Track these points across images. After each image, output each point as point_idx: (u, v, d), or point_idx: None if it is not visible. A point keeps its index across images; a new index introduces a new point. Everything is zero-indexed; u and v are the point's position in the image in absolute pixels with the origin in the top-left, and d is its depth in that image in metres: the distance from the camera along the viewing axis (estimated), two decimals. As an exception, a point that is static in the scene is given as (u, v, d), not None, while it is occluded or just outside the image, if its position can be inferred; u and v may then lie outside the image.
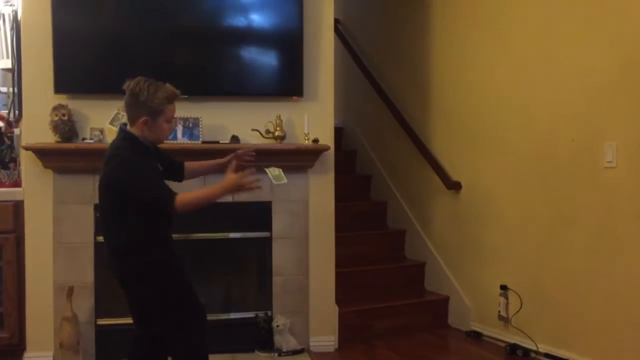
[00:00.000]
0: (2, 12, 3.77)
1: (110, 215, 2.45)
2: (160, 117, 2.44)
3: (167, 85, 2.48)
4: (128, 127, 2.50)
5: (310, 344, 3.64)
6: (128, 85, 2.45)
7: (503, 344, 3.67)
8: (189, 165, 2.78)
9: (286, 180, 3.35)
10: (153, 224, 2.44)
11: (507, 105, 3.72)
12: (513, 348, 3.56)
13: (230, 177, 2.48)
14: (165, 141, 2.61)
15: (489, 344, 3.78)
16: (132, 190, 2.37)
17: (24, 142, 3.29)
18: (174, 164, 2.71)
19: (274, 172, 3.13)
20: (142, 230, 2.43)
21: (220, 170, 2.73)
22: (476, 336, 3.91)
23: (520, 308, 3.59)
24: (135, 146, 2.43)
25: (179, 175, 2.74)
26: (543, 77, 3.46)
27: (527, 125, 3.57)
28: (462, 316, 4.07)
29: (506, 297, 3.69)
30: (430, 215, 4.44)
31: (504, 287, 3.70)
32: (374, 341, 3.82)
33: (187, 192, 2.41)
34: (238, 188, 2.47)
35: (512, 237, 3.68)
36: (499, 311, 3.72)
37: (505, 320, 3.70)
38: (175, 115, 3.34)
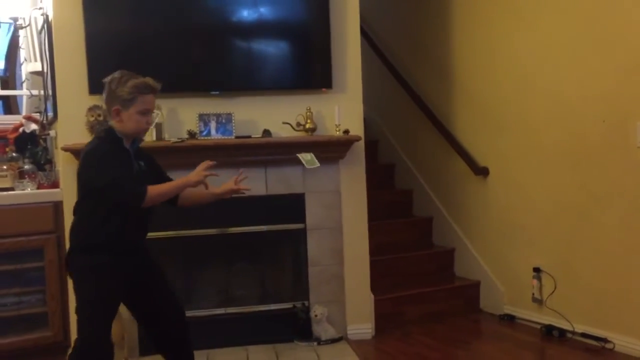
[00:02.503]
0: (31, 16, 3.82)
1: (76, 209, 2.48)
2: (131, 106, 2.41)
3: (145, 78, 2.46)
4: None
5: (348, 332, 3.69)
6: (106, 78, 2.47)
7: (538, 326, 3.71)
8: (186, 192, 2.64)
9: (318, 164, 3.41)
10: (103, 226, 2.40)
11: (534, 88, 3.74)
12: (549, 329, 3.60)
13: (197, 172, 2.47)
14: (142, 136, 2.56)
15: (524, 326, 3.82)
16: (87, 177, 2.38)
17: (61, 144, 3.34)
18: (168, 181, 2.61)
19: (305, 157, 3.17)
20: (90, 230, 2.42)
21: (216, 200, 2.70)
22: (510, 319, 3.95)
23: (555, 289, 3.63)
24: (107, 139, 2.43)
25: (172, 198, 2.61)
26: (570, 58, 3.48)
27: (555, 108, 3.60)
28: (494, 300, 4.11)
29: (539, 279, 3.73)
30: (457, 201, 4.48)
31: (537, 270, 3.73)
32: (408, 327, 3.87)
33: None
34: (198, 182, 2.47)
35: (543, 219, 3.71)
36: (533, 293, 3.76)
37: (539, 302, 3.74)
38: (209, 112, 3.47)
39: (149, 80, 2.46)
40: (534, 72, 3.73)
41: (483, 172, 4.15)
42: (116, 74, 2.45)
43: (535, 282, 3.74)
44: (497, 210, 4.08)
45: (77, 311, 2.42)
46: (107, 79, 2.45)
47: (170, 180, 2.61)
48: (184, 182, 2.45)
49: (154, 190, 2.36)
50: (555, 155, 3.61)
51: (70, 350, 2.49)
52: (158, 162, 2.69)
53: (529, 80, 3.77)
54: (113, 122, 2.45)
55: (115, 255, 2.42)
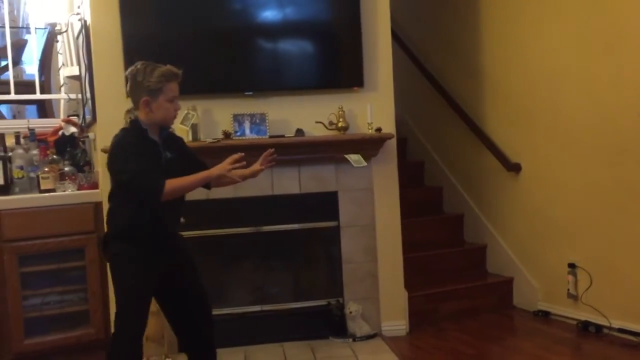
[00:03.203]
0: (69, 22, 3.92)
1: (110, 197, 2.56)
2: (160, 95, 2.45)
3: (167, 66, 2.49)
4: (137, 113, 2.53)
5: (382, 328, 3.72)
6: (128, 71, 2.51)
7: (574, 322, 3.69)
8: None
9: (366, 164, 3.47)
10: (136, 217, 2.46)
11: (566, 81, 3.73)
12: (585, 325, 3.59)
13: (221, 166, 2.46)
14: (171, 123, 2.58)
15: (559, 323, 3.81)
16: (113, 170, 2.45)
17: (100, 145, 3.41)
18: (200, 166, 2.64)
19: (353, 157, 3.25)
20: (124, 219, 2.49)
21: (244, 179, 2.68)
22: (544, 315, 3.94)
23: (590, 285, 3.61)
24: (132, 131, 2.48)
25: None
26: (604, 51, 3.46)
27: (588, 101, 3.58)
28: (528, 296, 4.10)
29: (575, 275, 3.71)
30: (488, 198, 4.47)
31: (572, 265, 3.72)
32: (442, 324, 3.88)
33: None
34: (221, 177, 2.46)
35: (578, 215, 3.69)
36: (568, 289, 3.75)
37: (574, 298, 3.73)
38: (244, 112, 3.52)
39: (172, 67, 2.49)
40: (566, 66, 3.72)
41: (515, 168, 4.14)
42: (139, 65, 2.48)
43: (570, 277, 3.73)
44: (530, 206, 4.07)
45: (117, 303, 2.49)
46: (130, 72, 2.48)
47: (204, 164, 2.64)
48: (205, 176, 2.48)
49: (172, 185, 2.38)
50: (590, 149, 3.59)
51: (110, 347, 2.55)
52: (187, 147, 2.72)
53: (561, 73, 3.76)
54: (141, 113, 2.48)
55: (150, 246, 2.47)
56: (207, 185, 2.62)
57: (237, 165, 2.46)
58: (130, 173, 2.38)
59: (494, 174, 4.35)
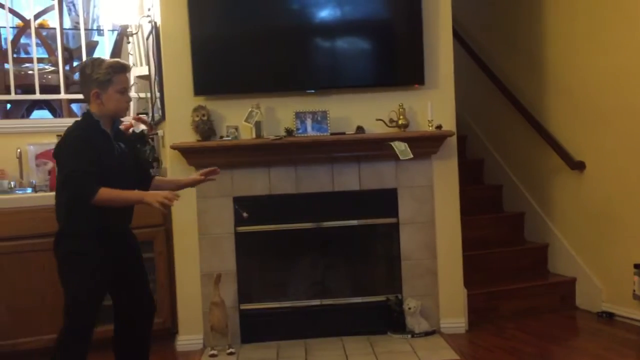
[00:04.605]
0: (139, 24, 4.09)
1: (57, 194, 2.54)
2: (109, 87, 2.48)
3: (116, 59, 2.54)
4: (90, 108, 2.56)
5: (441, 325, 3.72)
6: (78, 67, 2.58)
7: (639, 324, 3.60)
8: (157, 180, 2.84)
9: (412, 156, 3.47)
10: (82, 211, 2.45)
11: (633, 77, 3.63)
12: (652, 327, 3.50)
13: (155, 197, 2.45)
14: (124, 115, 2.68)
15: (624, 324, 3.72)
16: (57, 164, 2.48)
17: (169, 142, 3.56)
18: (144, 172, 2.77)
19: (399, 146, 3.21)
20: (73, 216, 2.49)
21: (180, 189, 2.82)
22: (608, 317, 3.85)
23: (658, 286, 3.52)
24: (84, 123, 2.51)
25: (145, 183, 2.75)
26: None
27: (658, 99, 3.48)
28: (591, 297, 4.01)
29: (641, 276, 3.63)
30: (551, 196, 4.40)
31: (638, 266, 3.62)
32: (502, 323, 3.85)
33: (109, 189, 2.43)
34: (149, 204, 2.44)
35: (645, 214, 3.60)
36: (634, 290, 3.65)
37: (640, 299, 3.64)
38: (305, 110, 3.59)
39: (120, 60, 2.57)
40: (633, 61, 3.62)
41: (579, 166, 4.06)
42: (87, 60, 2.56)
43: (636, 278, 3.63)
44: (594, 205, 3.99)
45: (67, 300, 2.48)
46: (79, 66, 2.55)
47: (147, 174, 2.80)
48: (138, 198, 2.48)
49: (105, 194, 2.40)
50: (659, 148, 3.49)
51: (58, 341, 2.51)
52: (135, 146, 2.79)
53: (628, 69, 3.66)
54: (92, 106, 2.52)
55: (100, 241, 2.49)
56: (146, 188, 2.70)
57: (167, 204, 2.44)
58: (68, 170, 2.42)
59: (557, 172, 4.28)
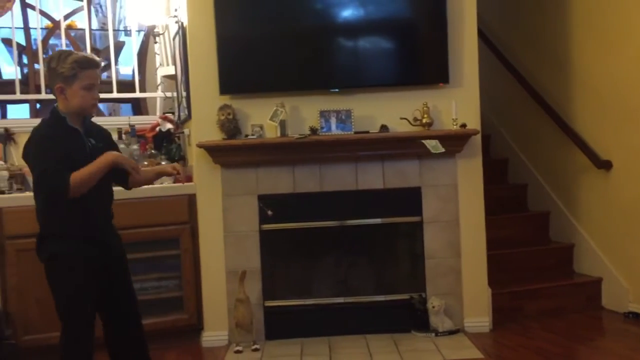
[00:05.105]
0: (165, 24, 4.15)
1: (34, 197, 2.45)
2: (74, 82, 2.38)
3: (85, 53, 2.41)
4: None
5: (465, 324, 3.71)
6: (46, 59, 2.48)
7: (668, 325, 3.56)
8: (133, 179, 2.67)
9: (443, 150, 3.48)
10: (59, 211, 2.39)
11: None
12: (681, 328, 3.45)
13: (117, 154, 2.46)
14: (91, 112, 2.52)
15: (651, 325, 3.68)
16: (28, 166, 2.39)
17: (195, 141, 3.61)
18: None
19: (430, 142, 3.25)
20: (50, 217, 2.42)
21: (157, 178, 2.83)
22: (635, 317, 3.80)
23: (687, 287, 3.47)
24: (50, 120, 2.43)
25: (123, 180, 2.63)
26: None
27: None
28: (618, 297, 3.97)
29: (670, 277, 3.58)
30: (576, 196, 4.36)
31: (666, 266, 3.59)
32: (527, 322, 3.82)
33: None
34: (116, 163, 2.42)
35: (674, 214, 3.55)
36: (662, 291, 3.62)
37: (669, 300, 3.59)
38: (330, 109, 3.61)
39: (89, 55, 2.47)
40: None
41: (605, 165, 4.01)
42: (55, 53, 2.46)
43: (664, 279, 3.60)
44: (621, 205, 3.94)
45: (59, 307, 2.41)
46: (46, 59, 2.46)
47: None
48: (103, 161, 2.40)
49: (75, 178, 2.31)
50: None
51: (60, 343, 2.44)
52: (113, 141, 2.67)
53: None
54: (58, 102, 2.43)
55: (83, 243, 2.43)
56: (125, 184, 2.63)
57: (134, 166, 2.46)
58: (38, 172, 2.34)
59: (583, 171, 4.24)
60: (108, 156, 2.42)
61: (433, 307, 3.64)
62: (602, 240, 4.14)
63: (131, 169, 2.48)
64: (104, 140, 2.58)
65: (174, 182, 3.69)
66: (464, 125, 3.63)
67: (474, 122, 3.69)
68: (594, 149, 4.14)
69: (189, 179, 3.76)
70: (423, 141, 3.40)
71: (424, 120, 3.64)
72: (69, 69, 2.38)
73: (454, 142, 3.64)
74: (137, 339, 2.67)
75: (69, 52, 2.46)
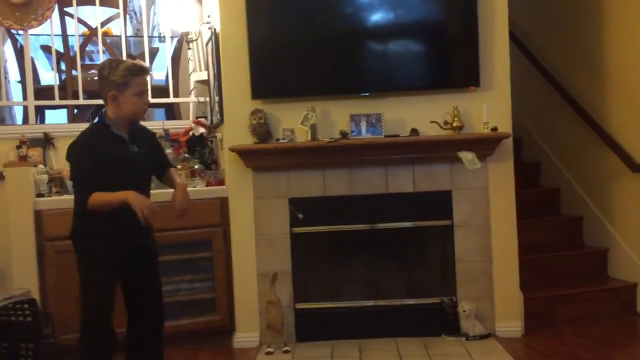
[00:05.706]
0: (199, 30, 4.23)
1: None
2: (126, 90, 2.49)
3: (135, 60, 2.52)
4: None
5: (496, 329, 3.69)
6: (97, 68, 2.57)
7: None
8: (169, 172, 2.85)
9: (480, 165, 3.45)
10: (86, 213, 2.54)
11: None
12: None
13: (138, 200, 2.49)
14: (141, 118, 2.70)
15: (689, 332, 3.61)
16: (70, 168, 2.62)
17: (227, 145, 3.66)
18: (163, 163, 2.84)
19: (467, 156, 3.20)
20: (78, 217, 2.61)
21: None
22: (672, 324, 3.74)
23: None
24: (94, 126, 2.58)
25: (161, 173, 2.83)
26: None
27: None
28: (653, 303, 3.91)
29: None
30: (611, 200, 4.30)
31: None
32: (560, 328, 3.78)
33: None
34: (139, 209, 2.46)
35: None
36: (700, 297, 3.54)
37: None
38: (360, 112, 3.64)
39: (138, 62, 2.57)
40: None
41: (641, 169, 3.96)
42: (106, 61, 2.57)
43: (702, 285, 3.52)
44: (657, 209, 3.88)
45: (81, 295, 2.60)
46: (98, 68, 2.57)
47: (168, 164, 2.88)
48: (122, 200, 2.48)
49: (96, 200, 2.48)
50: None
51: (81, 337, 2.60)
52: (157, 141, 2.83)
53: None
54: (109, 109, 2.55)
55: (113, 240, 2.57)
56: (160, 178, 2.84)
57: (147, 213, 2.48)
58: (73, 176, 2.59)
59: (617, 175, 4.18)
60: (128, 195, 2.48)
61: (464, 311, 3.63)
62: (637, 245, 4.07)
63: (139, 211, 2.46)
64: (148, 144, 2.70)
65: (206, 186, 3.75)
66: (495, 129, 3.61)
67: (505, 126, 3.67)
68: (628, 152, 4.07)
69: (221, 182, 3.82)
70: (459, 153, 3.38)
71: (455, 124, 3.63)
72: (121, 77, 2.49)
73: (485, 145, 3.62)
74: (154, 335, 2.77)
75: (120, 60, 2.60)
